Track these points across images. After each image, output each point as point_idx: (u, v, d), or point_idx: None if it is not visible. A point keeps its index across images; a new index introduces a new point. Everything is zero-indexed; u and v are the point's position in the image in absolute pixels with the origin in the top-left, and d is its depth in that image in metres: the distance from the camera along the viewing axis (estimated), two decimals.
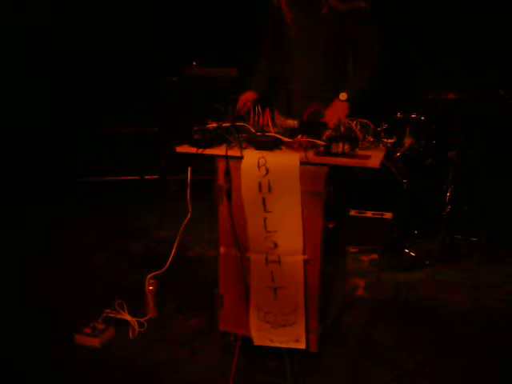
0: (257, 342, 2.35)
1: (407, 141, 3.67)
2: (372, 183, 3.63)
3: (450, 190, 3.69)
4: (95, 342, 2.57)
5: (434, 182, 3.82)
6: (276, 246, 2.20)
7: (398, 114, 3.78)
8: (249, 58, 2.95)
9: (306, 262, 2.20)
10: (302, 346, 2.30)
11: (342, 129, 2.17)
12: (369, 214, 3.76)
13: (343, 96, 2.48)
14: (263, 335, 2.34)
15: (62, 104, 5.04)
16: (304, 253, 2.19)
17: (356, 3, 2.50)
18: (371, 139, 2.23)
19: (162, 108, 5.15)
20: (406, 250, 3.59)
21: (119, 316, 2.75)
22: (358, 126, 2.20)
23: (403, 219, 3.72)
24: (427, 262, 3.52)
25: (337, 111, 2.44)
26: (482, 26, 4.20)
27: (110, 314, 2.75)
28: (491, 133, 3.95)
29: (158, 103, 5.16)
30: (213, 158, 2.23)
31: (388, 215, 3.72)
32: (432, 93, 3.78)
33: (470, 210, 3.81)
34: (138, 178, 5.25)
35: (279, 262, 2.22)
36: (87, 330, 2.62)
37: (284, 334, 2.31)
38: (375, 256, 3.62)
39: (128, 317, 2.75)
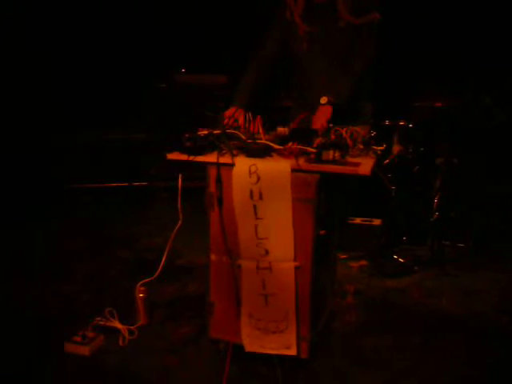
0: (248, 348, 2.35)
1: (395, 148, 3.72)
2: (360, 190, 3.65)
3: (437, 196, 3.73)
4: (85, 351, 2.55)
5: (421, 189, 3.85)
6: (267, 252, 2.21)
7: (386, 122, 3.82)
8: (238, 65, 2.96)
9: (297, 268, 2.21)
10: (292, 352, 2.30)
11: (332, 136, 2.18)
12: (358, 220, 3.79)
13: (323, 100, 2.49)
14: (254, 342, 2.34)
15: (49, 110, 5.01)
16: (295, 260, 2.20)
17: (370, 16, 2.53)
18: (361, 146, 2.24)
19: (151, 115, 5.14)
20: (395, 256, 3.62)
21: (109, 324, 2.73)
22: (348, 133, 2.22)
23: (392, 226, 3.75)
24: (416, 268, 3.55)
25: (320, 115, 2.46)
26: (468, 35, 4.26)
27: (100, 322, 2.73)
28: (478, 140, 4.00)
29: (146, 110, 5.15)
30: (200, 165, 2.22)
31: (377, 222, 3.75)
32: (419, 100, 3.83)
33: (457, 217, 3.85)
34: (125, 184, 5.23)
35: (270, 268, 2.23)
36: (77, 339, 2.59)
37: (275, 340, 2.31)
38: (364, 262, 3.64)
39: (118, 324, 2.73)
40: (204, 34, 5.20)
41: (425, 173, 3.80)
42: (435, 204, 3.71)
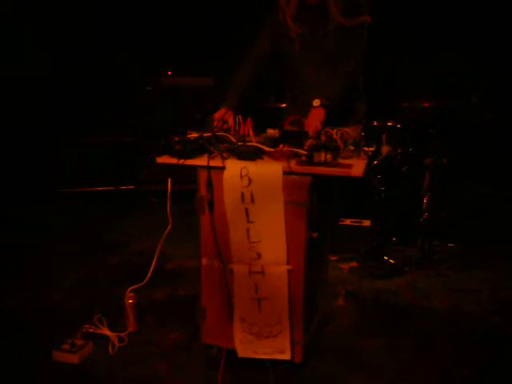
0: (241, 354, 2.32)
1: (384, 149, 3.71)
2: (350, 191, 3.65)
3: (426, 196, 3.73)
4: (74, 359, 2.50)
5: (410, 190, 3.85)
6: (259, 256, 2.18)
7: (375, 123, 3.82)
8: (225, 67, 2.94)
9: (289, 272, 2.19)
10: (286, 356, 2.28)
11: (323, 138, 2.17)
12: (347, 221, 3.77)
13: (316, 102, 2.48)
14: (247, 347, 2.31)
15: (35, 114, 4.95)
16: (288, 263, 2.18)
17: (361, 18, 2.52)
18: (352, 148, 2.23)
19: (137, 118, 5.09)
20: (386, 258, 3.61)
21: (98, 331, 2.69)
22: (339, 135, 2.20)
23: (381, 227, 3.75)
24: (406, 269, 3.54)
25: (313, 118, 2.44)
26: (455, 35, 4.28)
27: (89, 330, 2.68)
28: (466, 140, 4.01)
29: (133, 113, 5.10)
30: (188, 168, 2.19)
31: (366, 223, 3.74)
32: (407, 101, 3.83)
33: (446, 217, 3.85)
34: (112, 188, 5.17)
35: (263, 272, 2.20)
36: (65, 347, 2.54)
37: (269, 345, 2.29)
38: (355, 264, 3.63)
39: (107, 332, 2.68)
40: (190, 37, 5.16)
41: (414, 173, 3.81)
42: (424, 204, 3.72)
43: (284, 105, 2.98)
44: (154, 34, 5.17)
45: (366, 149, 2.25)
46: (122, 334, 2.69)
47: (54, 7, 4.94)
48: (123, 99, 5.00)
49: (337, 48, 2.59)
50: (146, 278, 2.56)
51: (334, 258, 3.64)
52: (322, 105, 2.46)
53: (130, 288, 2.70)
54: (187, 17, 5.20)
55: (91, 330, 2.68)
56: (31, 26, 4.94)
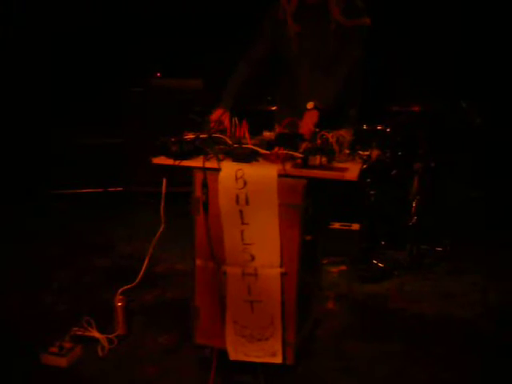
0: (232, 356, 2.31)
1: (373, 152, 3.71)
2: (340, 195, 3.65)
3: (415, 200, 3.75)
4: (62, 362, 2.47)
5: (399, 193, 3.87)
6: (253, 258, 2.17)
7: (364, 126, 3.83)
8: (214, 69, 2.93)
9: (283, 274, 2.18)
10: (278, 360, 2.27)
11: (319, 141, 2.17)
12: (336, 225, 3.78)
13: (310, 105, 2.47)
14: (239, 350, 2.30)
15: (23, 114, 4.89)
16: (281, 265, 2.17)
17: (361, 19, 2.53)
18: (347, 152, 2.23)
19: (126, 119, 5.05)
20: (375, 261, 3.62)
21: (87, 333, 2.65)
22: (335, 138, 2.20)
23: (370, 230, 3.76)
24: (395, 273, 3.56)
25: (306, 120, 2.44)
26: (445, 39, 4.32)
27: (78, 332, 2.65)
28: (455, 144, 4.05)
29: (121, 114, 5.06)
30: (181, 170, 2.18)
31: (355, 226, 3.74)
32: (397, 105, 3.85)
33: (435, 221, 3.88)
34: (101, 190, 5.12)
35: (256, 274, 2.19)
36: (53, 350, 2.51)
37: (260, 348, 2.27)
38: (344, 267, 3.63)
39: (97, 334, 2.65)
40: (180, 39, 5.14)
41: (403, 177, 3.83)
42: (413, 208, 3.74)
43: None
44: (143, 35, 5.14)
45: (361, 153, 2.26)
46: (111, 336, 2.66)
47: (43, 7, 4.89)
48: (111, 100, 4.96)
49: (335, 50, 2.59)
50: (137, 280, 2.54)
51: (323, 261, 3.65)
52: (315, 107, 2.46)
53: (121, 290, 2.67)
54: (177, 18, 5.17)
55: (80, 333, 2.65)
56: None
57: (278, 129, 2.50)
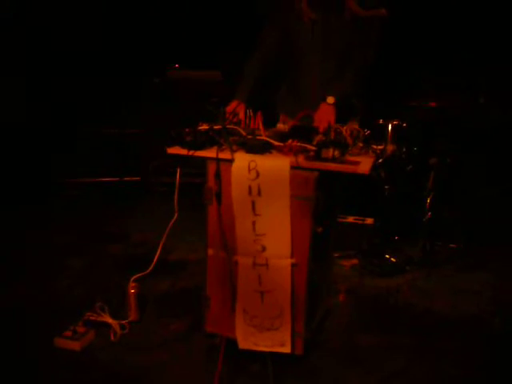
0: (242, 345, 2.34)
1: (389, 147, 3.71)
2: (354, 188, 3.65)
3: (430, 196, 3.74)
4: (76, 346, 2.51)
5: (414, 189, 3.85)
6: (264, 249, 2.20)
7: (380, 121, 3.82)
8: (233, 61, 2.93)
9: (293, 265, 2.20)
10: (287, 350, 2.30)
11: (333, 134, 2.17)
12: (350, 219, 3.79)
13: (330, 99, 2.47)
14: (248, 339, 2.33)
15: (41, 104, 4.95)
16: (292, 256, 2.19)
17: (378, 10, 2.52)
18: (361, 145, 2.24)
19: (144, 109, 5.09)
20: (387, 256, 3.62)
21: (100, 319, 2.70)
22: (348, 132, 2.21)
23: (384, 225, 3.76)
24: (408, 268, 3.55)
25: (325, 115, 2.43)
26: (464, 34, 4.27)
27: (91, 317, 2.70)
28: (472, 140, 4.01)
29: (140, 104, 5.10)
30: (197, 160, 2.21)
31: (369, 221, 3.75)
32: (414, 100, 3.83)
33: (449, 217, 3.86)
34: (117, 179, 5.17)
35: (267, 265, 2.21)
36: (67, 333, 2.56)
37: (269, 337, 2.30)
38: (356, 261, 3.64)
39: (109, 319, 2.69)
40: (198, 30, 5.16)
41: (418, 172, 3.81)
42: (428, 204, 3.73)
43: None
44: (162, 26, 5.16)
45: (375, 147, 2.26)
46: (123, 322, 2.70)
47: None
48: (130, 90, 5.00)
49: (349, 40, 2.58)
50: (150, 268, 2.57)
51: (335, 255, 3.66)
52: (334, 103, 2.46)
53: (134, 277, 2.71)
54: (196, 9, 5.19)
55: (93, 318, 2.70)
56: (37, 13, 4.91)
57: (281, 118, 2.50)
